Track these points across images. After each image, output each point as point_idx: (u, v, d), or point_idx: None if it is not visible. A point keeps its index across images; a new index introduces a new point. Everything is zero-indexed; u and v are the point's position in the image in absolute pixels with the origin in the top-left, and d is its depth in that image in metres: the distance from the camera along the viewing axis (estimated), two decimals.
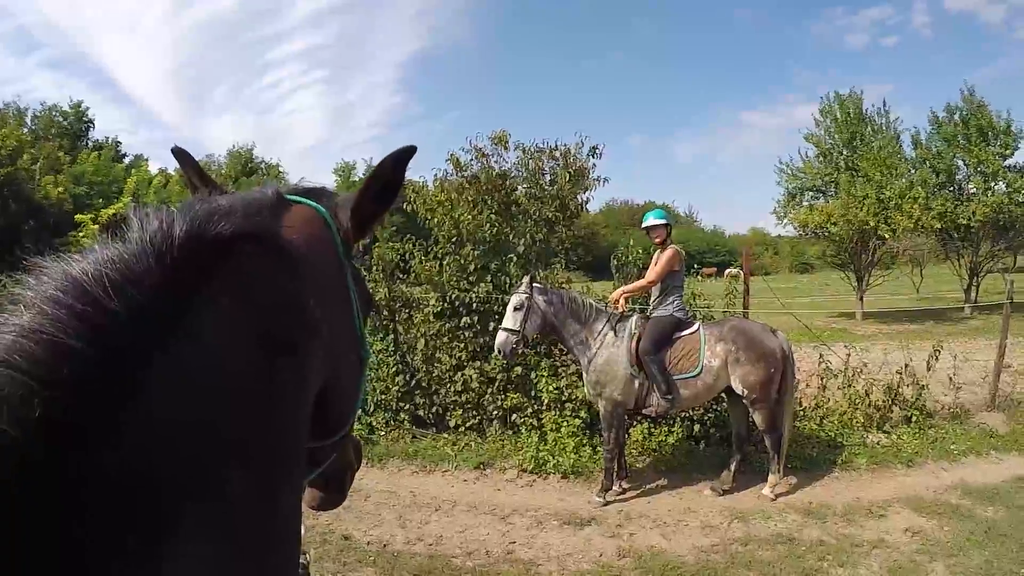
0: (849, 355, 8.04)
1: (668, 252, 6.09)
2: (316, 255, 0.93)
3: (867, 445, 7.23)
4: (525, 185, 8.17)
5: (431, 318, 7.75)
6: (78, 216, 31.92)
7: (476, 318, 7.59)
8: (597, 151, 8.18)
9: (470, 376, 7.53)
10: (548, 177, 8.16)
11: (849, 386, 7.86)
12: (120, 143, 48.51)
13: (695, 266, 7.67)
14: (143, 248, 0.68)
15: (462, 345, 7.63)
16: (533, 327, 6.02)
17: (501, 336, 5.96)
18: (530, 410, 7.42)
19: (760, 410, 5.87)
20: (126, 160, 45.88)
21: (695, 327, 6.10)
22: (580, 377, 6.73)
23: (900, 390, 7.78)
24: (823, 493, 6.21)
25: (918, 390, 7.78)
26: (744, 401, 5.95)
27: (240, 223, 0.78)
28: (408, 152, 1.03)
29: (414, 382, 7.85)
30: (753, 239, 77.41)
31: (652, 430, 7.33)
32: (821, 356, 8.02)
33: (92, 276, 0.64)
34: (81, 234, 31.13)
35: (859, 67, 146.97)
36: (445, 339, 7.71)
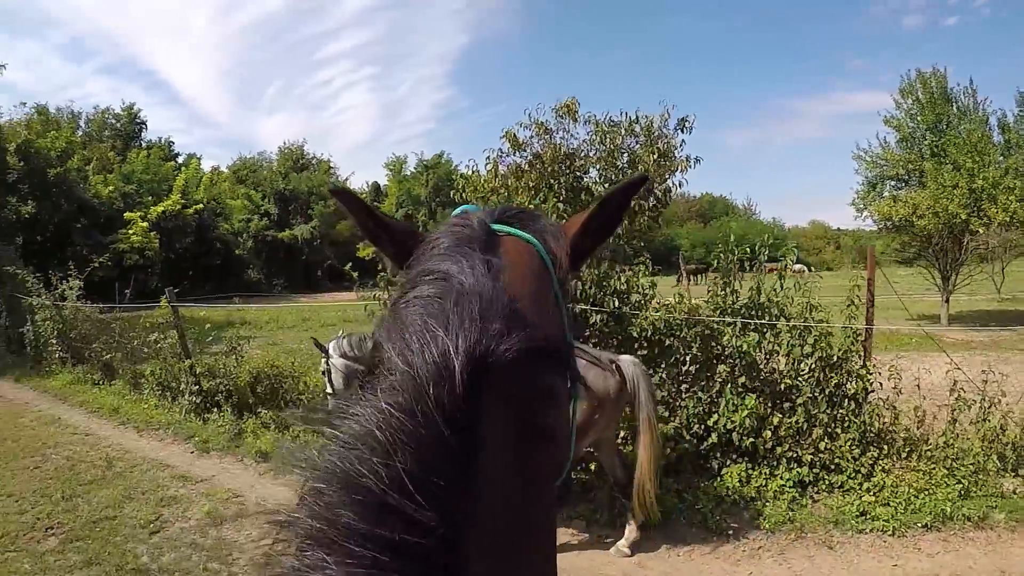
0: (986, 381, 6.15)
1: None
2: (537, 301, 0.86)
3: (1004, 495, 5.59)
4: (598, 166, 6.66)
5: None
6: (127, 214, 32.43)
7: None
8: (687, 124, 6.67)
9: None
10: (626, 157, 6.67)
11: (984, 420, 6.04)
12: (173, 143, 49.13)
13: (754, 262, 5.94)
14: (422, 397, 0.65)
15: None
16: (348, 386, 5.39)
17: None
18: None
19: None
20: (179, 159, 46.12)
21: None
22: (667, 407, 5.84)
23: None
24: (955, 562, 4.82)
25: None
26: None
27: (514, 339, 0.71)
28: (639, 182, 1.03)
29: None
30: (813, 232, 74.52)
31: (751, 471, 5.84)
32: (955, 383, 6.09)
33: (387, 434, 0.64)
34: (131, 231, 31.47)
35: (917, 50, 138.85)
36: None
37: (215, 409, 8.64)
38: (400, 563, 0.59)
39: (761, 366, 6.06)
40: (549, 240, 0.94)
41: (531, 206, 6.17)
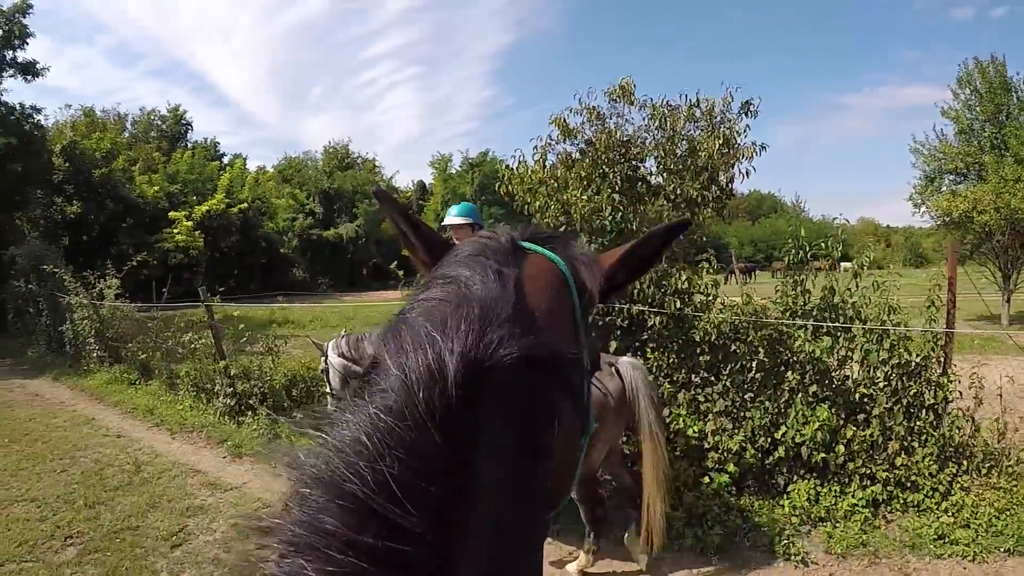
0: None
1: None
2: (552, 320, 0.85)
3: None
4: (656, 154, 6.09)
5: None
6: (172, 213, 32.79)
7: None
8: (751, 108, 6.06)
9: None
10: (686, 144, 6.09)
11: None
12: (218, 143, 49.81)
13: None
14: (412, 402, 0.64)
15: None
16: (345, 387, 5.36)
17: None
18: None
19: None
20: (224, 159, 46.76)
21: None
22: (731, 418, 5.34)
23: None
24: None
25: None
26: None
27: (514, 346, 0.70)
28: (682, 226, 1.04)
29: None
30: (863, 229, 72.61)
31: (820, 488, 5.22)
32: None
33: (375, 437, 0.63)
34: (175, 230, 31.85)
35: (967, 42, 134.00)
36: None
37: (249, 412, 8.32)
38: (384, 571, 0.58)
39: (833, 373, 5.45)
40: (580, 267, 0.93)
41: (584, 198, 5.65)
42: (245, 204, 38.12)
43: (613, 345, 5.51)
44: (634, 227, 5.66)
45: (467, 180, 52.12)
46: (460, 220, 4.95)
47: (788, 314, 5.48)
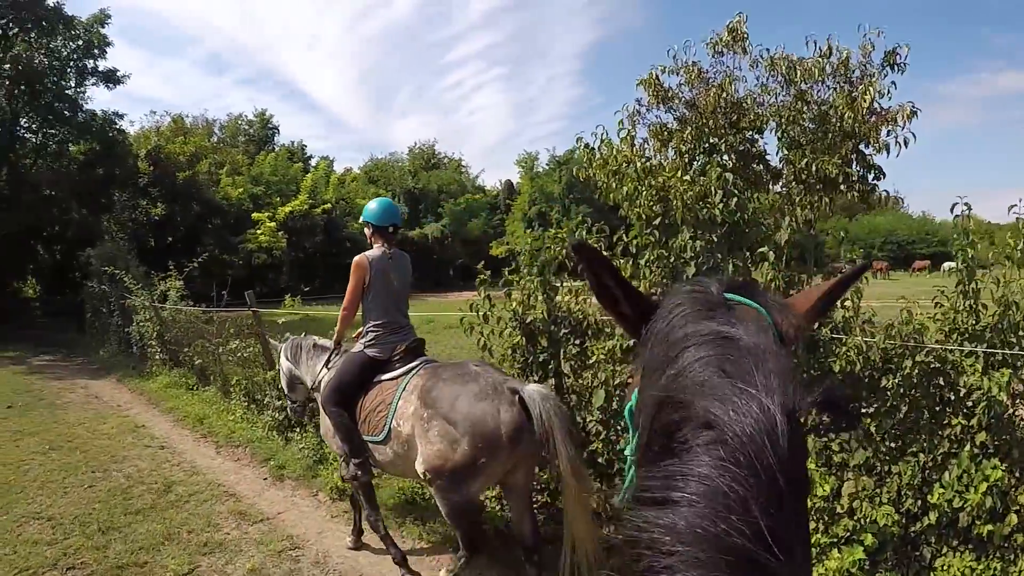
0: None
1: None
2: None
3: None
4: (777, 121, 4.75)
5: (618, 354, 4.49)
6: (255, 215, 33.19)
7: None
8: (898, 60, 4.67)
9: None
10: (815, 109, 4.74)
11: None
12: (305, 146, 50.62)
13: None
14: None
15: None
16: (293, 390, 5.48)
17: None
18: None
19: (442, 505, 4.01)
20: (312, 161, 47.45)
21: (402, 370, 4.39)
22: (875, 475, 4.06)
23: None
24: None
25: None
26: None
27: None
28: (864, 268, 1.15)
29: (584, 454, 4.70)
30: (966, 225, 66.89)
31: (977, 565, 3.78)
32: None
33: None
34: (259, 231, 32.20)
35: None
36: None
37: (298, 428, 7.47)
38: None
39: (1008, 416, 3.94)
40: (775, 312, 0.93)
41: (686, 180, 4.40)
42: (328, 205, 38.27)
43: None
44: (747, 218, 4.38)
45: (554, 178, 50.90)
46: (382, 223, 4.67)
47: (955, 336, 4.04)
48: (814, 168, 4.30)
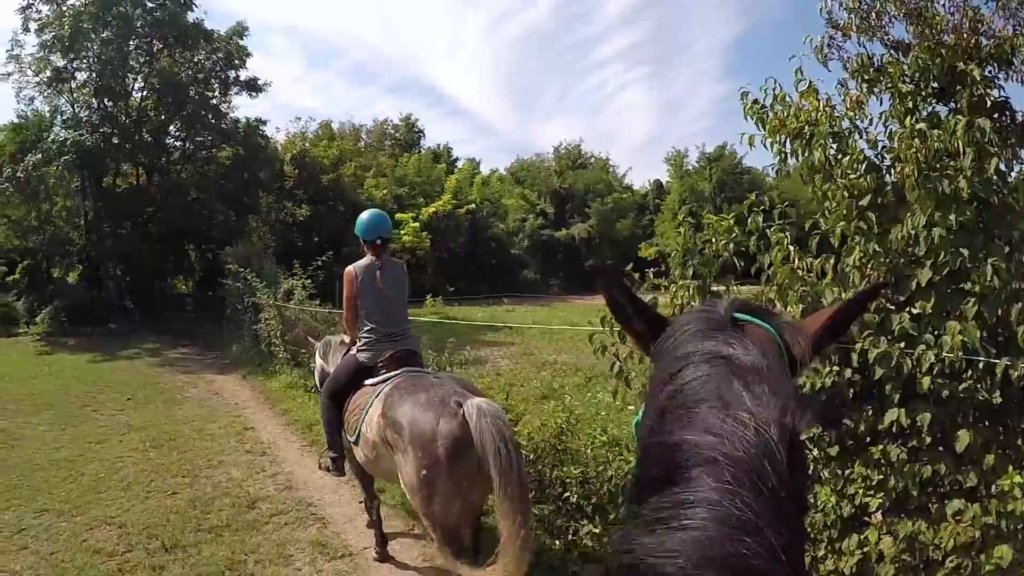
0: None
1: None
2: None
3: None
4: None
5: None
6: (399, 215, 33.64)
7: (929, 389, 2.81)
8: None
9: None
10: None
11: None
12: (452, 149, 51.37)
13: None
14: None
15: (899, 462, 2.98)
16: None
17: None
18: None
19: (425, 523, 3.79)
20: (458, 164, 48.01)
21: (383, 377, 4.30)
22: None
23: None
24: None
25: None
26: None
27: (807, 413, 0.74)
28: (878, 289, 1.12)
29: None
30: None
31: None
32: None
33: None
34: (402, 231, 32.61)
35: None
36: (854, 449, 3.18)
37: None
38: None
39: None
40: (786, 334, 0.93)
41: (913, 141, 2.94)
42: (473, 205, 38.31)
43: None
44: (1005, 195, 2.88)
45: (704, 176, 48.00)
46: (368, 237, 4.66)
47: None
48: None
